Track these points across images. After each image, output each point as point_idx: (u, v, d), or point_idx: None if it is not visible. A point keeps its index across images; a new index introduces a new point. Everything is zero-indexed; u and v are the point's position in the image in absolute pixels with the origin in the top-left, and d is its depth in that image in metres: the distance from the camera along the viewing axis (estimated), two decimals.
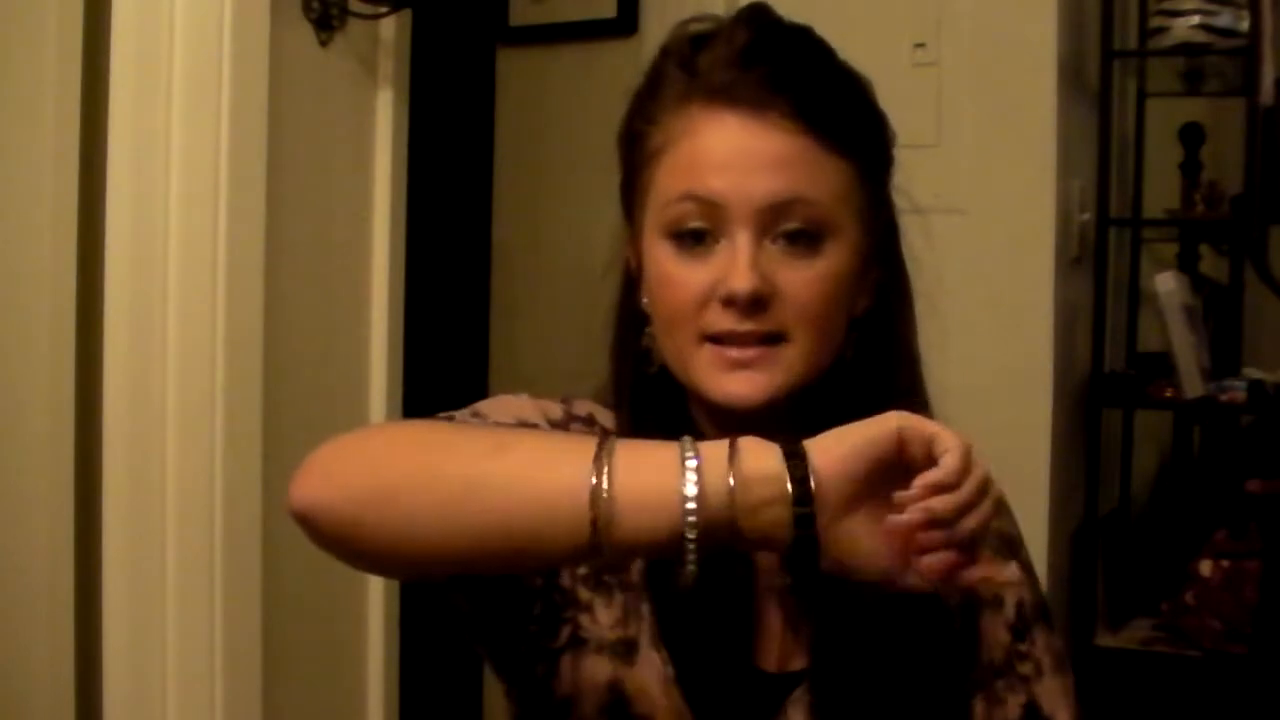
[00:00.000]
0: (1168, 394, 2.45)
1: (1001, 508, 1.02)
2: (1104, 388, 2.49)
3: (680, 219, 0.95)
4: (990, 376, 2.27)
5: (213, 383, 1.72)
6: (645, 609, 0.96)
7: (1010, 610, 1.03)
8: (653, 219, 0.97)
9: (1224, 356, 2.59)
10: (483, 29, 2.79)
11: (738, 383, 0.94)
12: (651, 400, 1.01)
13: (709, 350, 0.95)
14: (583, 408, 1.04)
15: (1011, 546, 1.05)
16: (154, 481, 1.70)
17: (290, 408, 1.85)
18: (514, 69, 2.81)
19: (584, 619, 0.96)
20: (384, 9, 1.94)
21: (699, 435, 0.93)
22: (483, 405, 1.01)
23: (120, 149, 1.69)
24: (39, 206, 1.75)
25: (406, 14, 2.02)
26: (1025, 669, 1.03)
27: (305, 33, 1.87)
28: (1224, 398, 2.41)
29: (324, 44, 1.90)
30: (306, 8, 1.86)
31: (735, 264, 0.93)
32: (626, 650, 0.95)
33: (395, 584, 1.99)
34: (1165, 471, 2.89)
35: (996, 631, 1.02)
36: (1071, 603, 2.44)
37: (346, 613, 1.99)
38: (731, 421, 0.95)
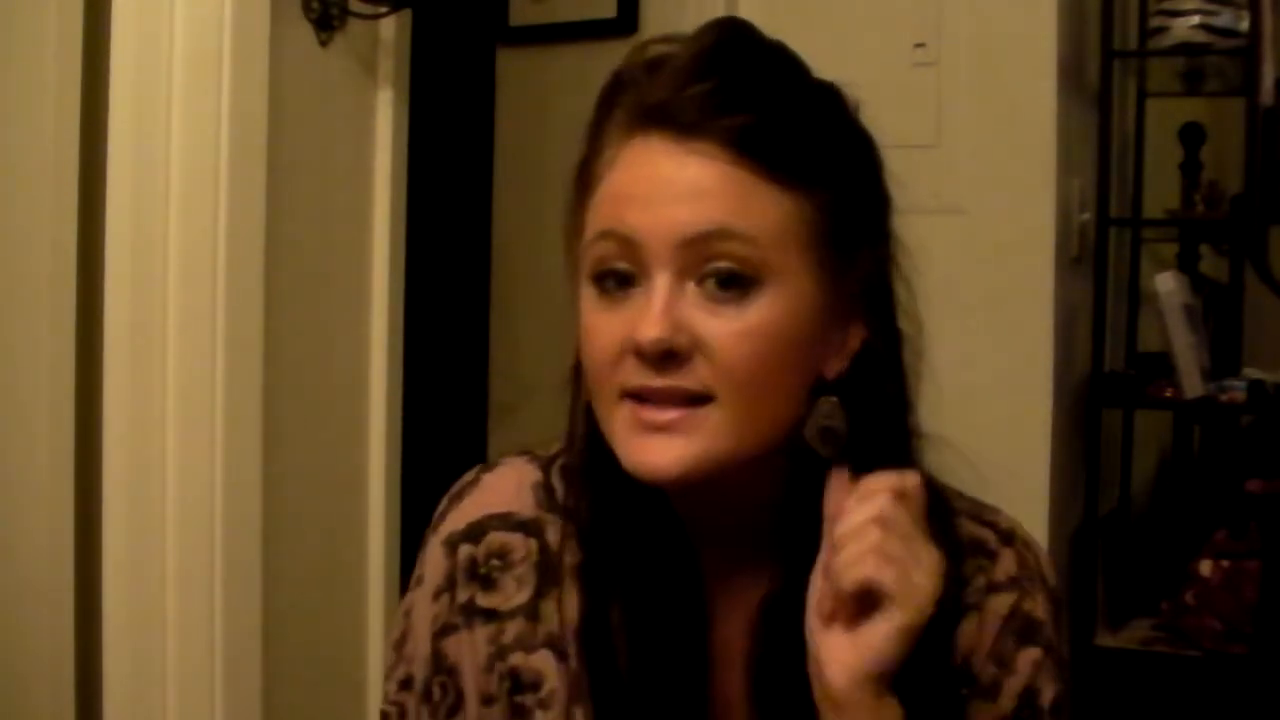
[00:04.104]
0: (1168, 394, 2.45)
1: (1028, 584, 0.92)
2: (1104, 388, 2.49)
3: (601, 260, 0.83)
4: (990, 376, 2.27)
5: (213, 383, 1.72)
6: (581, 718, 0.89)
7: (1009, 703, 0.90)
8: (582, 261, 0.85)
9: (1224, 356, 2.59)
10: (483, 29, 2.79)
11: (652, 450, 0.82)
12: (608, 457, 0.87)
13: (626, 409, 0.82)
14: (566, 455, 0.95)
15: (1030, 629, 0.91)
16: (154, 481, 1.70)
17: (290, 407, 1.85)
18: (514, 69, 2.81)
19: None
20: (384, 9, 1.94)
21: (654, 494, 0.88)
22: (465, 502, 0.95)
23: (120, 149, 1.69)
24: (39, 206, 1.75)
25: (406, 14, 2.02)
26: None
27: (305, 33, 1.87)
28: (1224, 398, 2.41)
29: (324, 44, 1.90)
30: (306, 8, 1.86)
31: (647, 310, 0.80)
32: None
33: (395, 584, 1.99)
34: (1165, 471, 2.89)
35: None
36: (1071, 603, 2.44)
37: (346, 613, 1.99)
38: (678, 490, 0.87)
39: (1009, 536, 0.94)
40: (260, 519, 1.78)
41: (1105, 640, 2.46)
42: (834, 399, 0.85)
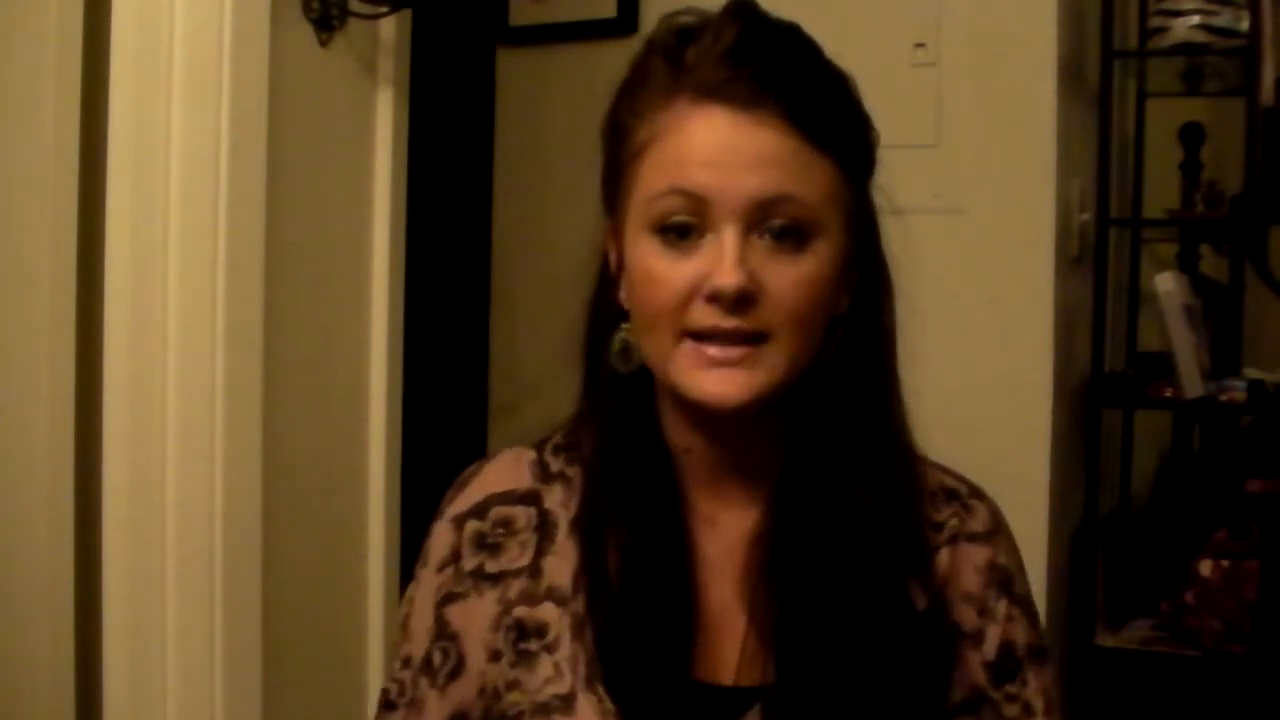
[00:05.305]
0: (1168, 394, 2.45)
1: (1001, 539, 1.04)
2: (1104, 388, 2.49)
3: (666, 213, 0.93)
4: (990, 376, 2.27)
5: (213, 383, 1.72)
6: (583, 654, 0.97)
7: (991, 649, 1.01)
8: (637, 214, 0.95)
9: (1224, 356, 2.59)
10: (483, 29, 2.79)
11: (718, 382, 0.93)
12: (621, 401, 1.01)
13: (689, 347, 0.94)
14: (559, 436, 1.06)
15: (1006, 582, 1.03)
16: (154, 481, 1.70)
17: (290, 407, 1.85)
18: (514, 69, 2.81)
19: (513, 696, 0.98)
20: (384, 9, 1.94)
21: (666, 437, 1.00)
22: (468, 489, 1.06)
23: (120, 149, 1.69)
24: (39, 206, 1.75)
25: (406, 14, 2.02)
26: (1012, 711, 1.01)
27: (305, 33, 1.87)
28: (1224, 398, 2.41)
29: (324, 44, 1.90)
30: (306, 8, 1.87)
31: (722, 259, 0.91)
32: (564, 703, 0.96)
33: (395, 584, 1.99)
34: (1165, 471, 2.89)
35: (967, 668, 1.00)
36: (1071, 603, 2.44)
37: (347, 613, 1.99)
38: (704, 421, 0.98)
39: (978, 492, 1.07)
40: (260, 519, 1.78)
41: (1105, 640, 2.46)
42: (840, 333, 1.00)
